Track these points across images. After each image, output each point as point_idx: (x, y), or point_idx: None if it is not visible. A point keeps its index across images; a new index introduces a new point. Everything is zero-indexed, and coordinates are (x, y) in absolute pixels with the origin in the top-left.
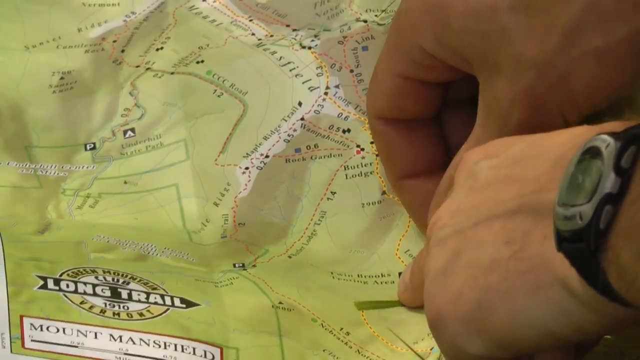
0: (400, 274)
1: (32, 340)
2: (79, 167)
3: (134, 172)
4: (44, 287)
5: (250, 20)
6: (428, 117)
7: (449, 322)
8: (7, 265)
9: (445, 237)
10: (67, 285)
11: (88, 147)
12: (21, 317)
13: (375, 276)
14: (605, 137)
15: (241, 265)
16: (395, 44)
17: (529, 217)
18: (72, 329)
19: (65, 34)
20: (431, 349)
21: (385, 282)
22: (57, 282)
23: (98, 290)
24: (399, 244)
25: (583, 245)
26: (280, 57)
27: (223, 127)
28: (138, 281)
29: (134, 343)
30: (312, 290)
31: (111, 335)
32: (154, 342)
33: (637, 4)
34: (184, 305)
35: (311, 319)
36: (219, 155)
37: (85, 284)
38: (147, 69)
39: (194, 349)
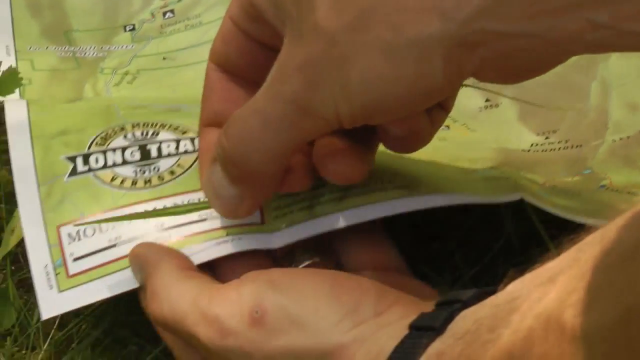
0: None
1: (74, 260)
2: (118, 47)
3: (173, 49)
4: (74, 172)
5: None
6: (255, 81)
7: None
8: (37, 158)
9: None
10: (97, 160)
11: (127, 29)
12: (58, 228)
13: None
14: None
15: None
16: None
17: None
18: (107, 227)
19: None
20: None
21: None
22: (86, 159)
23: (127, 155)
24: None
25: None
26: None
27: None
28: (168, 127)
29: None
30: None
31: (145, 209)
32: (188, 200)
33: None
34: None
35: None
36: None
37: (114, 150)
38: None
39: None
